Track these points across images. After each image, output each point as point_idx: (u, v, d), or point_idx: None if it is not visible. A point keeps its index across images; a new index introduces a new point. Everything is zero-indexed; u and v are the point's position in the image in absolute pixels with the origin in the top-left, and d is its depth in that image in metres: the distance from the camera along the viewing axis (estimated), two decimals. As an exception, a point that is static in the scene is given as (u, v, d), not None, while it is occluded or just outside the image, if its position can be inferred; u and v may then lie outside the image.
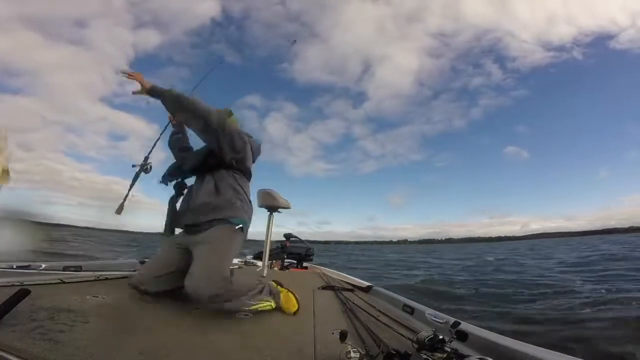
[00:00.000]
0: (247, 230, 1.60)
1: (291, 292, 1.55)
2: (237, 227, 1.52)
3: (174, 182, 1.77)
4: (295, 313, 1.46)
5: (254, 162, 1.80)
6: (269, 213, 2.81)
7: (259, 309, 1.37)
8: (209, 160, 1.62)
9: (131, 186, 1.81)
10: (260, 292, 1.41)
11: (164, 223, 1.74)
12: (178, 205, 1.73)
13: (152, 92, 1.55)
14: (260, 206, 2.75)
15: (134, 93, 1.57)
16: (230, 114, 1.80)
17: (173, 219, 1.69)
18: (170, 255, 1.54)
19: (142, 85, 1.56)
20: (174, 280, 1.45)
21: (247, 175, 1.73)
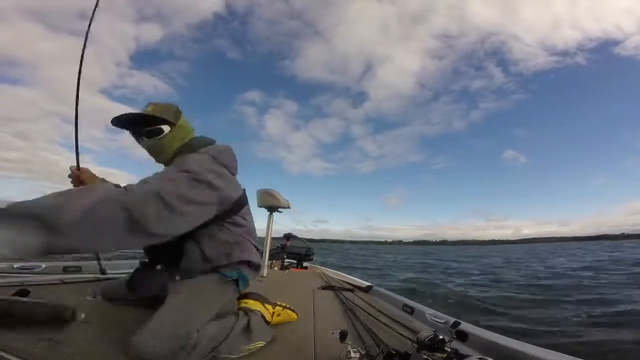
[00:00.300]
0: (246, 281, 1.19)
1: (287, 307, 1.34)
2: (228, 279, 1.12)
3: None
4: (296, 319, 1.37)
5: (235, 174, 1.21)
6: (268, 213, 2.82)
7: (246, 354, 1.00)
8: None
9: None
10: (247, 328, 1.05)
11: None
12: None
13: None
14: (260, 206, 2.76)
15: None
16: (178, 112, 1.19)
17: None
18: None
19: None
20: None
21: (242, 205, 1.22)
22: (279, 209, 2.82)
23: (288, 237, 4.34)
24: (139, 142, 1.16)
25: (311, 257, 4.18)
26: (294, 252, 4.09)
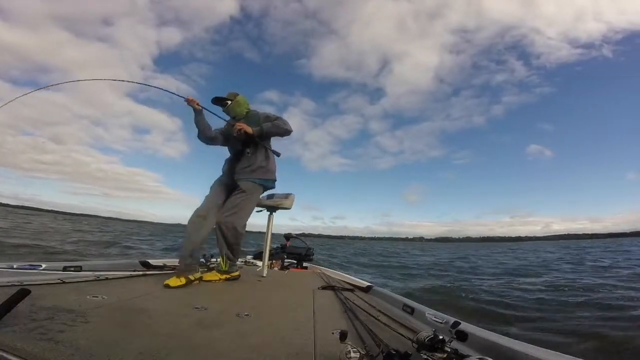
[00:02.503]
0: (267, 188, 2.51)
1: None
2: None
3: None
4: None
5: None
6: (268, 213, 2.81)
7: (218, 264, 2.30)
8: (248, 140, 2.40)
9: None
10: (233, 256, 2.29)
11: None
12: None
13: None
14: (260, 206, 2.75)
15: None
16: (236, 94, 2.45)
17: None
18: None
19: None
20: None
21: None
22: (279, 209, 2.82)
23: (288, 237, 4.33)
24: (223, 110, 2.47)
25: (311, 257, 4.18)
26: (294, 252, 4.09)
